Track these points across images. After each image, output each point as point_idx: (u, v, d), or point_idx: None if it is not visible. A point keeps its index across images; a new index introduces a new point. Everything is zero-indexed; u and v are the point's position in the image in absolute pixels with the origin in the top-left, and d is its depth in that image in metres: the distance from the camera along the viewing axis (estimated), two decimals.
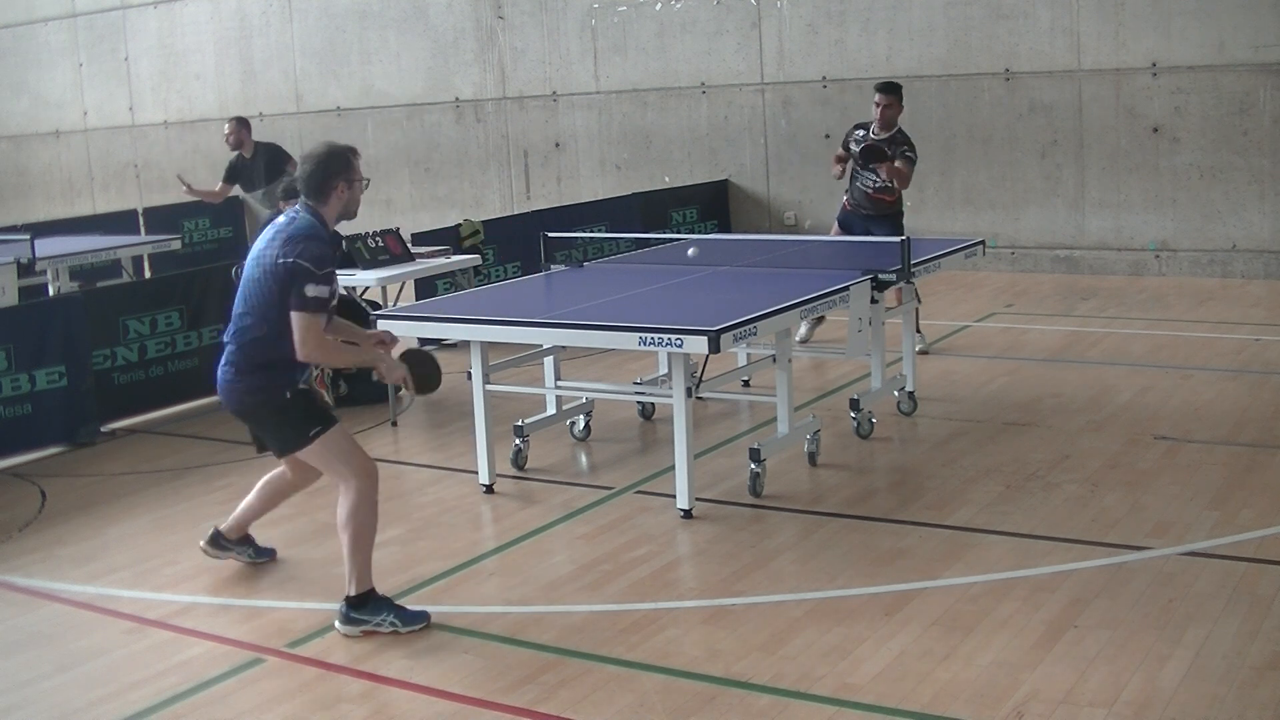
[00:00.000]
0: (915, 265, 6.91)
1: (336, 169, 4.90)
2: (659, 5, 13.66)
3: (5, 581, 5.65)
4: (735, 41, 13.26)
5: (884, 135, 8.68)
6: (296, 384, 4.96)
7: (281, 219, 4.98)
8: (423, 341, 10.06)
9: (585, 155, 14.46)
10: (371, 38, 15.56)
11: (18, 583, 5.63)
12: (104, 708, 4.41)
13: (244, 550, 5.60)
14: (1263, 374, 7.92)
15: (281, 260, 4.78)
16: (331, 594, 5.31)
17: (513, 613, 5.01)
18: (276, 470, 5.46)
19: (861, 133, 8.77)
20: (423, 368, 5.15)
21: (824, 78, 12.83)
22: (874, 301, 6.69)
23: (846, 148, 8.81)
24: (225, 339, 5.02)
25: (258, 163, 11.00)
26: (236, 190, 11.39)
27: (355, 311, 8.29)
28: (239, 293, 4.98)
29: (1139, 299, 10.61)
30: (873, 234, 8.51)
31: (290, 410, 4.94)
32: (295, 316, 4.75)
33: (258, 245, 4.96)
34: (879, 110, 8.71)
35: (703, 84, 13.52)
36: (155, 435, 8.10)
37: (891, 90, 8.70)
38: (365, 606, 4.86)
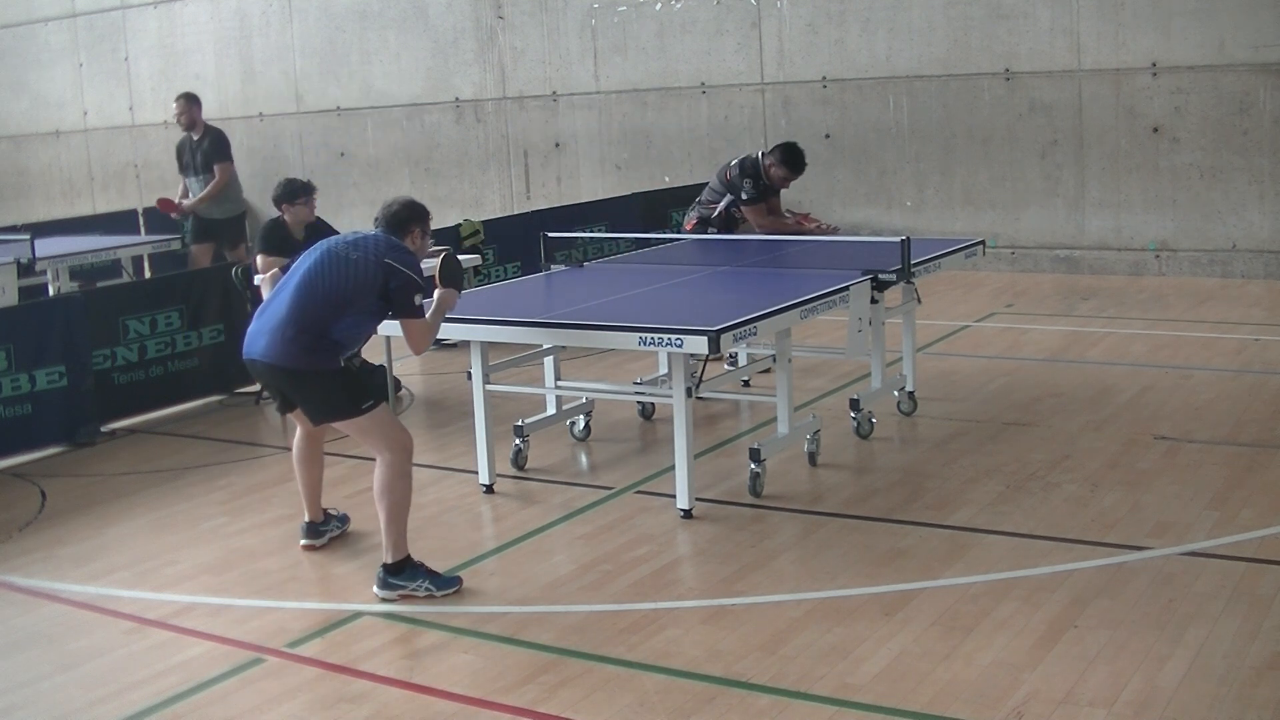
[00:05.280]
0: (915, 265, 6.91)
1: (418, 214, 5.45)
2: (659, 5, 13.66)
3: (5, 581, 5.65)
4: (735, 41, 13.26)
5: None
6: (346, 355, 5.33)
7: (373, 231, 5.39)
8: None
9: (585, 155, 14.46)
10: (371, 38, 15.56)
11: (18, 583, 5.63)
12: (104, 708, 4.41)
13: (332, 526, 5.93)
14: (1263, 374, 7.92)
15: (387, 260, 5.21)
16: (331, 594, 5.33)
17: (513, 613, 5.01)
18: (297, 440, 5.81)
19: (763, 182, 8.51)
20: (454, 276, 5.66)
21: (824, 78, 12.83)
22: (874, 301, 6.69)
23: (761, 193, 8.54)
24: (264, 306, 5.38)
25: (202, 146, 10.91)
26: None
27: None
28: (306, 264, 5.30)
29: (1139, 299, 10.61)
30: None
31: (342, 379, 5.26)
32: (409, 324, 5.29)
33: (342, 238, 5.41)
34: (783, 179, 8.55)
35: (703, 84, 13.52)
36: (155, 435, 8.10)
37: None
38: (402, 573, 5.21)
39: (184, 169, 11.05)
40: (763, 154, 8.52)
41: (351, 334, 5.28)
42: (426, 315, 5.37)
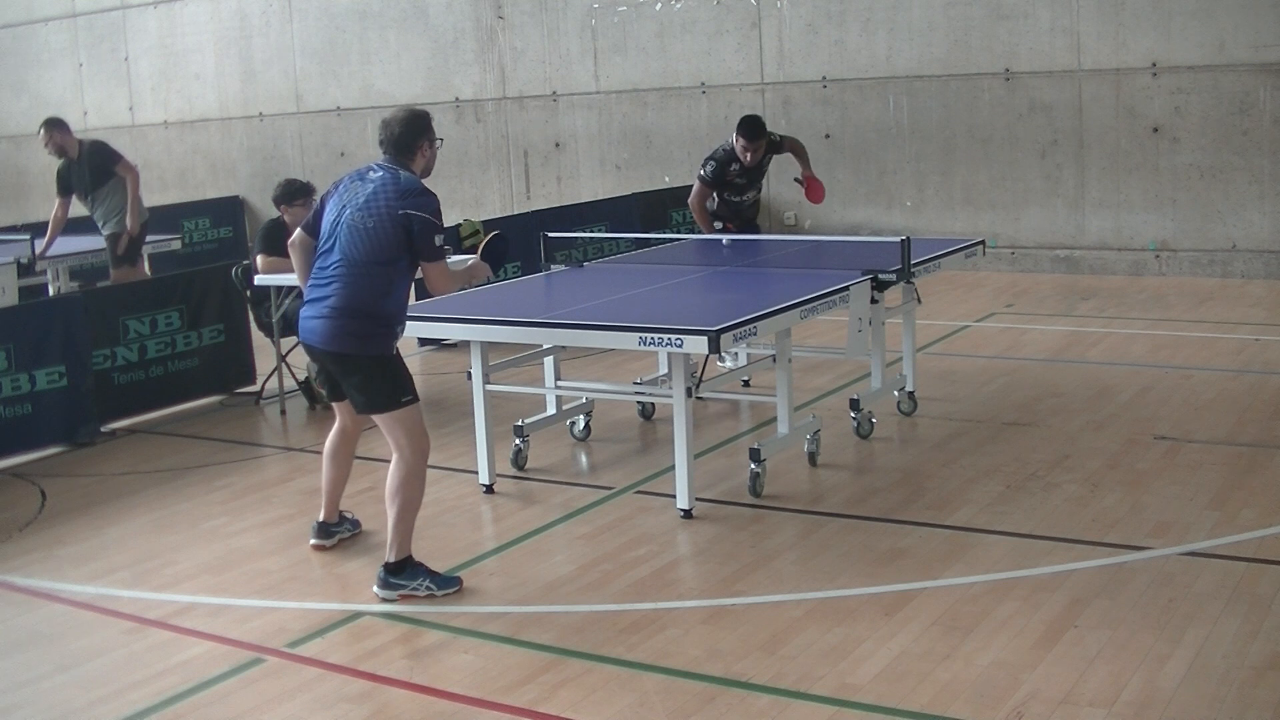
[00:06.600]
0: (915, 265, 6.91)
1: (421, 128, 5.26)
2: (659, 5, 13.66)
3: (5, 581, 5.65)
4: (735, 41, 13.26)
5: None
6: (396, 341, 5.27)
7: (377, 174, 5.18)
8: (423, 341, 10.11)
9: (585, 155, 14.47)
10: (371, 38, 15.56)
11: (18, 583, 5.63)
12: (104, 708, 4.41)
13: (344, 528, 5.89)
14: (1263, 374, 7.92)
15: (403, 211, 5.06)
16: (331, 594, 5.33)
17: (513, 613, 5.01)
18: (333, 435, 5.70)
19: (737, 165, 8.21)
20: (495, 256, 5.63)
21: (824, 78, 12.83)
22: (874, 301, 6.69)
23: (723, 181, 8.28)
24: (313, 291, 5.20)
25: (84, 164, 10.10)
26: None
27: None
28: (338, 244, 5.13)
29: (1139, 299, 10.61)
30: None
31: (392, 368, 5.21)
32: (430, 266, 5.17)
33: (353, 198, 5.15)
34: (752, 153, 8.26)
35: (703, 84, 13.52)
36: (155, 435, 8.10)
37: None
38: (403, 572, 5.17)
39: (77, 193, 10.26)
40: (725, 145, 8.27)
41: (401, 300, 5.24)
42: (448, 259, 5.28)
